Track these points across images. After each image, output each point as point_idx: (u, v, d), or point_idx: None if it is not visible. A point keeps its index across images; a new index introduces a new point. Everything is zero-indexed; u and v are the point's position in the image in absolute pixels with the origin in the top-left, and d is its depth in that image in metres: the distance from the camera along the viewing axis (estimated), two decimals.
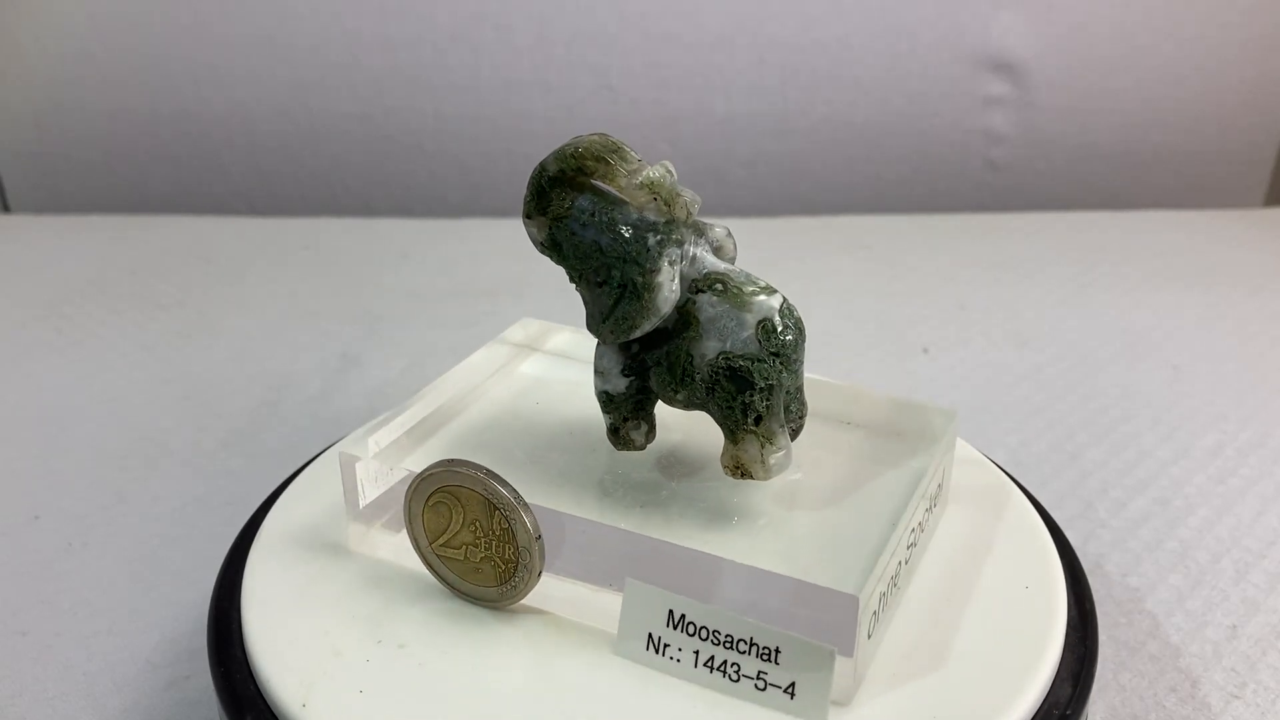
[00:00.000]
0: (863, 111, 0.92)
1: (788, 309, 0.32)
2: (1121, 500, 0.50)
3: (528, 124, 0.91)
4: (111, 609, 0.43)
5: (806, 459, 0.36)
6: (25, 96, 0.91)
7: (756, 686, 0.29)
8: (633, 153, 0.32)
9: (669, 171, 0.32)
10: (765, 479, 0.33)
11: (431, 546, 0.34)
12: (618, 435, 0.35)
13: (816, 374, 0.47)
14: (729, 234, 0.34)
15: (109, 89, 0.90)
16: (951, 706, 0.29)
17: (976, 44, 0.90)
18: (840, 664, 0.28)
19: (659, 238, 0.32)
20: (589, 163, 0.32)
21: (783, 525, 0.33)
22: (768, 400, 0.32)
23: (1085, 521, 0.49)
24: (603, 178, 0.32)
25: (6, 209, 0.95)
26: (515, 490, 0.32)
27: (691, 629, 0.30)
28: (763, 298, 0.32)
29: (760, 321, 0.31)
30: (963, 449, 0.42)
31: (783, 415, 0.32)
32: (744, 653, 0.29)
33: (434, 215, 0.93)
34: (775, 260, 0.80)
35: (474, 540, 0.33)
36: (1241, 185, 0.98)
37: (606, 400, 0.34)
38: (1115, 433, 0.56)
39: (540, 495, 0.33)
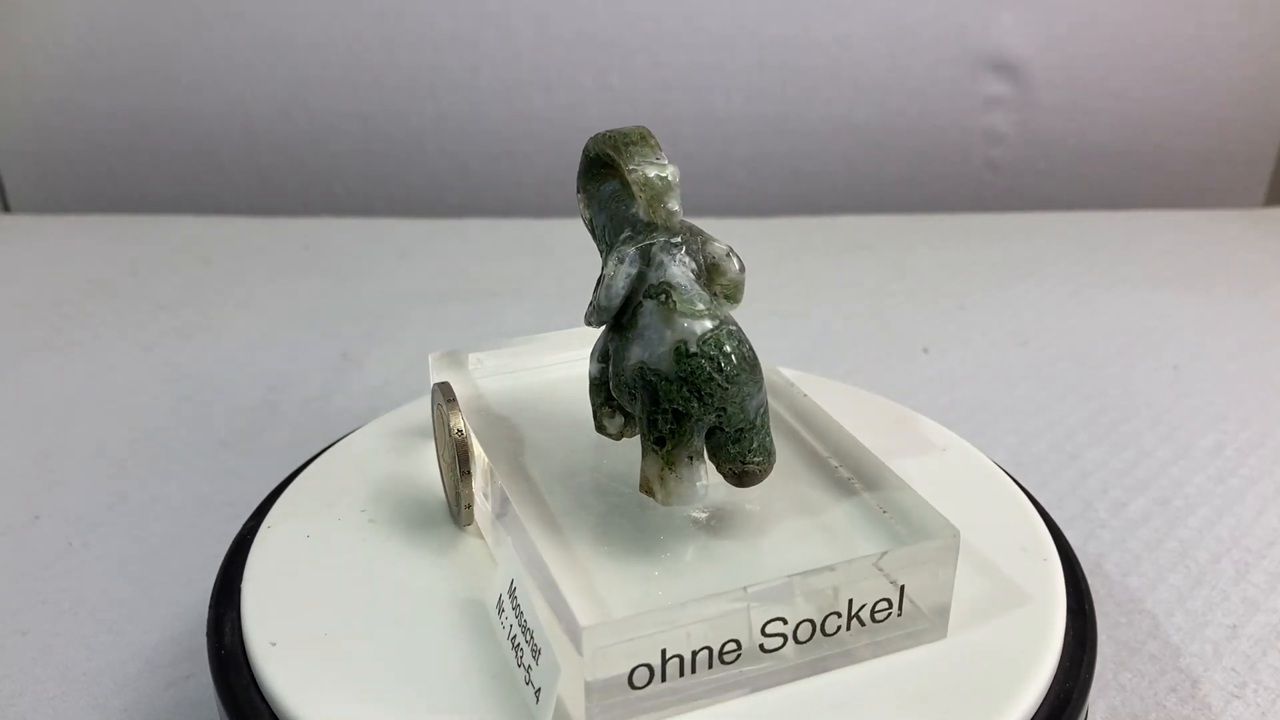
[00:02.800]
0: (863, 111, 0.92)
1: (714, 340, 0.30)
2: (1121, 500, 0.50)
3: (528, 124, 0.91)
4: (111, 609, 0.43)
5: (770, 507, 0.33)
6: (25, 96, 0.91)
7: (524, 680, 0.29)
8: (657, 151, 0.32)
9: (665, 174, 0.32)
10: (664, 504, 0.32)
11: (440, 453, 0.37)
12: (596, 418, 0.35)
13: (819, 377, 0.47)
14: (730, 254, 0.33)
15: (109, 89, 0.90)
16: (951, 707, 0.29)
17: (976, 44, 0.90)
18: (575, 691, 0.28)
19: (628, 234, 0.32)
20: (608, 151, 0.33)
21: (669, 550, 0.32)
22: (672, 425, 0.30)
23: (1085, 521, 0.49)
24: (615, 168, 0.32)
25: (6, 209, 0.95)
26: (461, 428, 0.35)
27: (514, 603, 0.31)
28: (690, 321, 0.30)
29: (677, 342, 0.30)
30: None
31: (698, 447, 0.31)
32: (528, 643, 0.29)
33: (434, 215, 0.93)
34: (775, 260, 0.80)
35: (449, 459, 0.36)
36: (1241, 185, 0.98)
37: (588, 382, 0.35)
38: (1115, 433, 0.56)
39: (507, 447, 0.35)
